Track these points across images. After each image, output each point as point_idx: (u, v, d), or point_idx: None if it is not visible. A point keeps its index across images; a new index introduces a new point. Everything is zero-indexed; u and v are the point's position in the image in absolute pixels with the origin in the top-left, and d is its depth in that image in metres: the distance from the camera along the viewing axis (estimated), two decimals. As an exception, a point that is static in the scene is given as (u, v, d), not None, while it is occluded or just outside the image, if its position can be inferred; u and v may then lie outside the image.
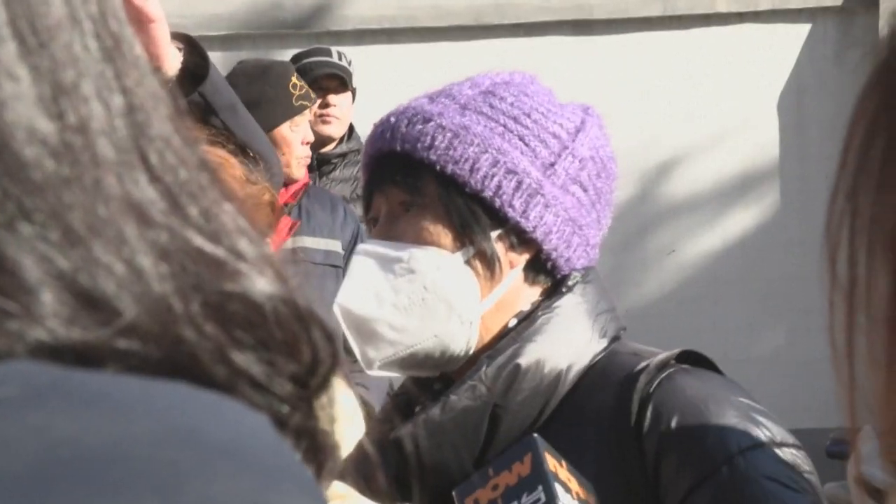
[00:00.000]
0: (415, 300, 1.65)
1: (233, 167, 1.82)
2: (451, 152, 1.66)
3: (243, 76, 4.01)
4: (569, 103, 1.78)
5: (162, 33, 1.96)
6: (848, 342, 0.62)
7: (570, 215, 1.69)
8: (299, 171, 4.12)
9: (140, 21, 1.90)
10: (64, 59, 0.51)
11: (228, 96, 2.34)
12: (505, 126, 1.68)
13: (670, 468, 1.57)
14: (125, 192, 0.50)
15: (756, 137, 6.75)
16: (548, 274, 1.71)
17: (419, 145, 1.67)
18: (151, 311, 0.48)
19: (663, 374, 1.61)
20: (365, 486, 1.32)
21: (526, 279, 1.70)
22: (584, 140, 1.71)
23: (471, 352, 1.68)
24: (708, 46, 6.72)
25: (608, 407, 1.62)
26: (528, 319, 1.68)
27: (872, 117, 0.62)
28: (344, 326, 1.66)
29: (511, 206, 1.66)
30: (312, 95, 4.21)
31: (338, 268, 3.99)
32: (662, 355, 1.65)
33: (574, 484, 1.34)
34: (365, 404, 1.50)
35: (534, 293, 1.71)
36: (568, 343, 1.67)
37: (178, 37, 2.13)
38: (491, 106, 1.70)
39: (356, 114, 4.62)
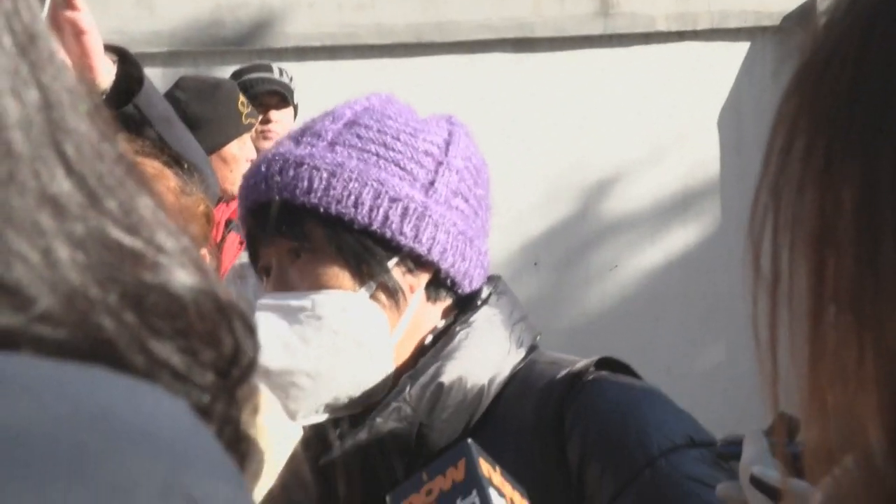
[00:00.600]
0: (325, 346, 1.62)
1: (167, 178, 1.81)
2: (331, 192, 1.63)
3: (193, 93, 4.00)
4: (430, 117, 1.77)
5: (95, 45, 1.95)
6: (771, 335, 0.63)
7: (460, 229, 1.69)
8: (245, 188, 4.11)
9: (73, 33, 1.89)
10: None
11: (163, 108, 2.33)
12: (378, 154, 1.67)
13: (594, 475, 1.57)
14: (41, 184, 0.50)
15: (696, 154, 6.80)
16: (448, 289, 1.71)
17: (297, 191, 1.64)
18: (68, 300, 0.48)
19: (583, 382, 1.62)
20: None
21: (429, 299, 1.70)
22: (455, 152, 1.71)
23: (388, 382, 1.66)
24: (648, 65, 6.76)
25: (530, 417, 1.63)
26: (446, 335, 1.68)
27: (793, 120, 0.63)
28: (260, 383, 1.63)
29: (402, 233, 1.65)
30: (256, 113, 4.23)
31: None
32: (581, 363, 1.66)
33: (508, 489, 1.34)
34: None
35: (438, 310, 1.71)
36: (487, 356, 1.67)
37: (112, 49, 2.13)
38: (358, 136, 1.68)
39: (298, 131, 4.60)
